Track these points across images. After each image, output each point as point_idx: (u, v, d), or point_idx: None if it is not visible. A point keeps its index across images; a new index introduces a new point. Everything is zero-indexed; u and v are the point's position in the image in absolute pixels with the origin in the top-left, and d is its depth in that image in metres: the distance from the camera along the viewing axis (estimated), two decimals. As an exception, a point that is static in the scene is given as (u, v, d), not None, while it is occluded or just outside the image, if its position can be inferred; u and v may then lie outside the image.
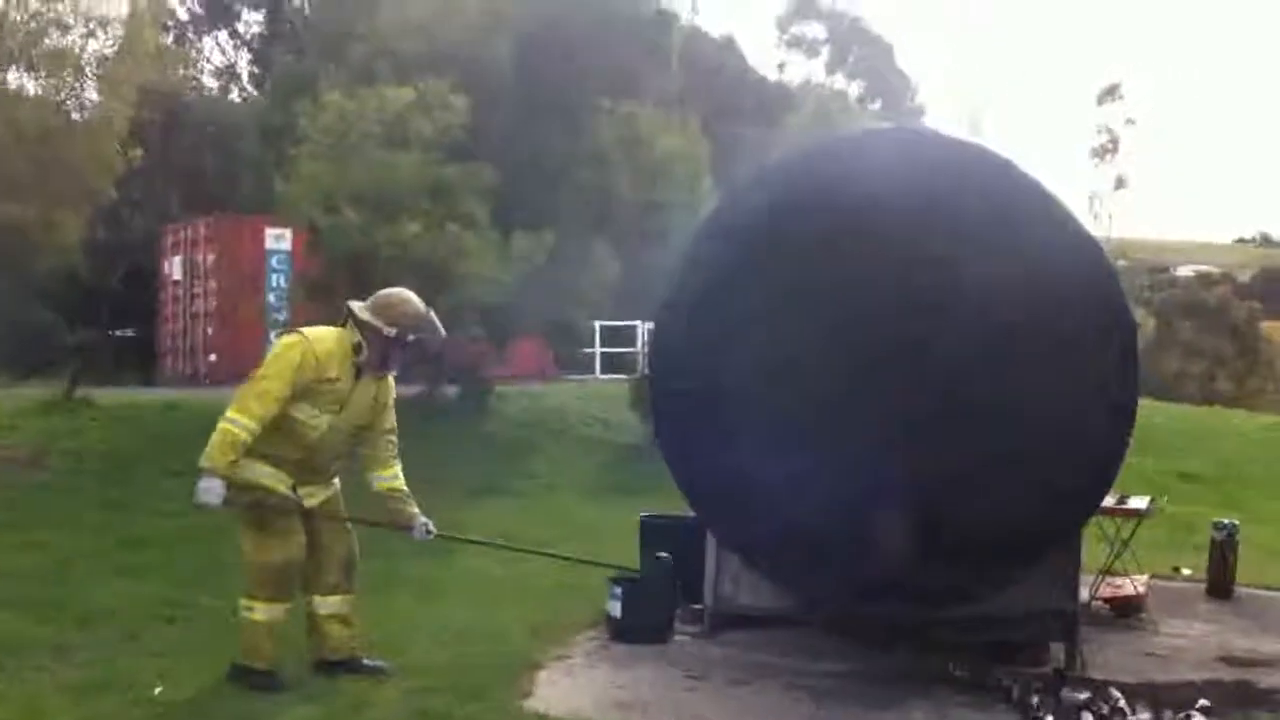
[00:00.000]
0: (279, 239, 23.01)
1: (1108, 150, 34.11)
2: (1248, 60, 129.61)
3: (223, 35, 34.25)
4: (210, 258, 23.92)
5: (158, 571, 9.34)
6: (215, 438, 6.21)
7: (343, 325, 6.59)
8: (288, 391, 6.29)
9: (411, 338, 6.61)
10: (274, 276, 23.31)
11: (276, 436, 6.37)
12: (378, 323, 6.51)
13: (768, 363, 7.04)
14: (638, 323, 24.08)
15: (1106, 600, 8.82)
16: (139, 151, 19.50)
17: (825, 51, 52.35)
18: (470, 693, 6.44)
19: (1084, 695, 6.62)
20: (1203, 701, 6.57)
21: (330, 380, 6.41)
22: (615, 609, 7.92)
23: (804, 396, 6.92)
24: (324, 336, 6.53)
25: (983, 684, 6.95)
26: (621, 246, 16.95)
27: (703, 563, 8.07)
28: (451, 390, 17.77)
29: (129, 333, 25.93)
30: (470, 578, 9.31)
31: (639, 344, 23.95)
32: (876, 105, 48.24)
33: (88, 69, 18.14)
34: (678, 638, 7.90)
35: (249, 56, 33.82)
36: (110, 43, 18.29)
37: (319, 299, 16.69)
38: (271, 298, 23.05)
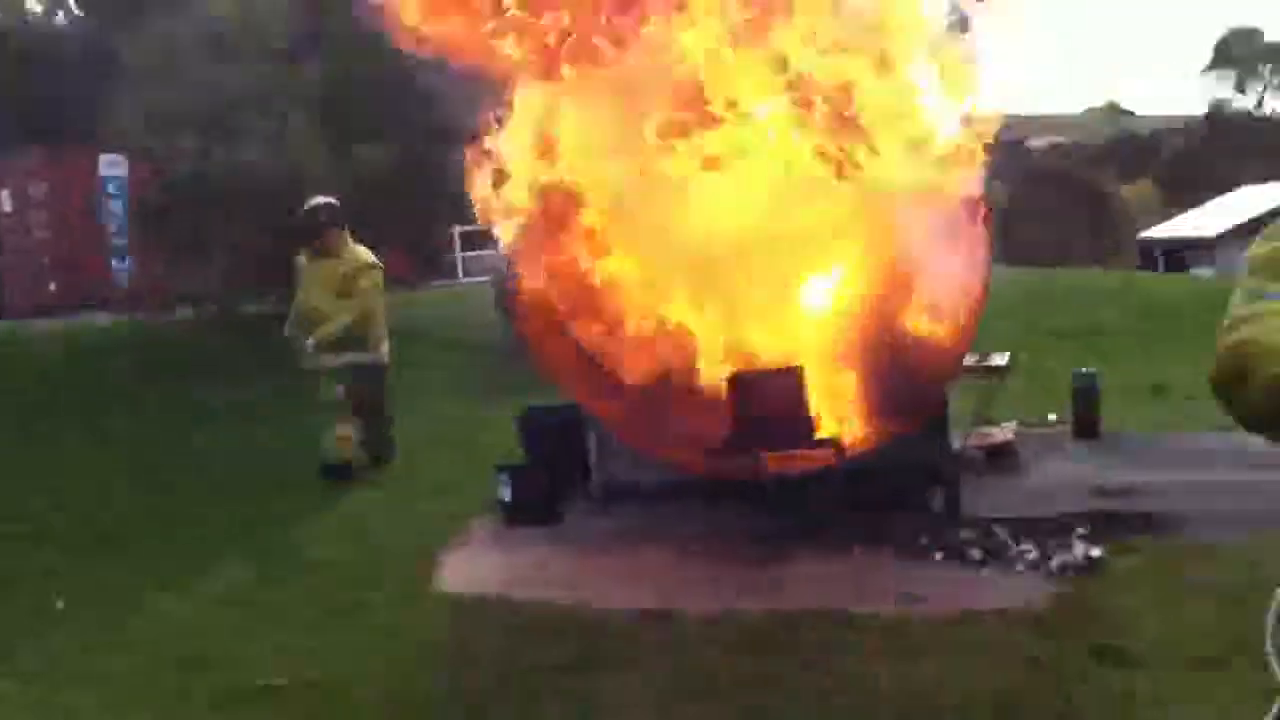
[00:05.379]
0: (113, 165, 22.33)
1: (958, 29, 34.33)
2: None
3: (46, -44, 32.38)
4: (42, 188, 23.49)
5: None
6: None
7: None
8: None
9: None
10: (112, 203, 22.70)
11: None
12: None
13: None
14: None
15: (979, 447, 9.04)
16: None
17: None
18: (373, 583, 6.52)
19: (969, 533, 6.84)
20: (1080, 530, 6.81)
21: None
22: (505, 494, 7.99)
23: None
24: None
25: (867, 535, 7.11)
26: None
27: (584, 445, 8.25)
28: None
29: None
30: (362, 481, 9.26)
31: (500, 247, 23.59)
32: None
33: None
34: (569, 516, 7.97)
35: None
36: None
37: (157, 225, 16.40)
38: (111, 225, 22.60)
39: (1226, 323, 1.90)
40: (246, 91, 14.25)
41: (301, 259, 9.54)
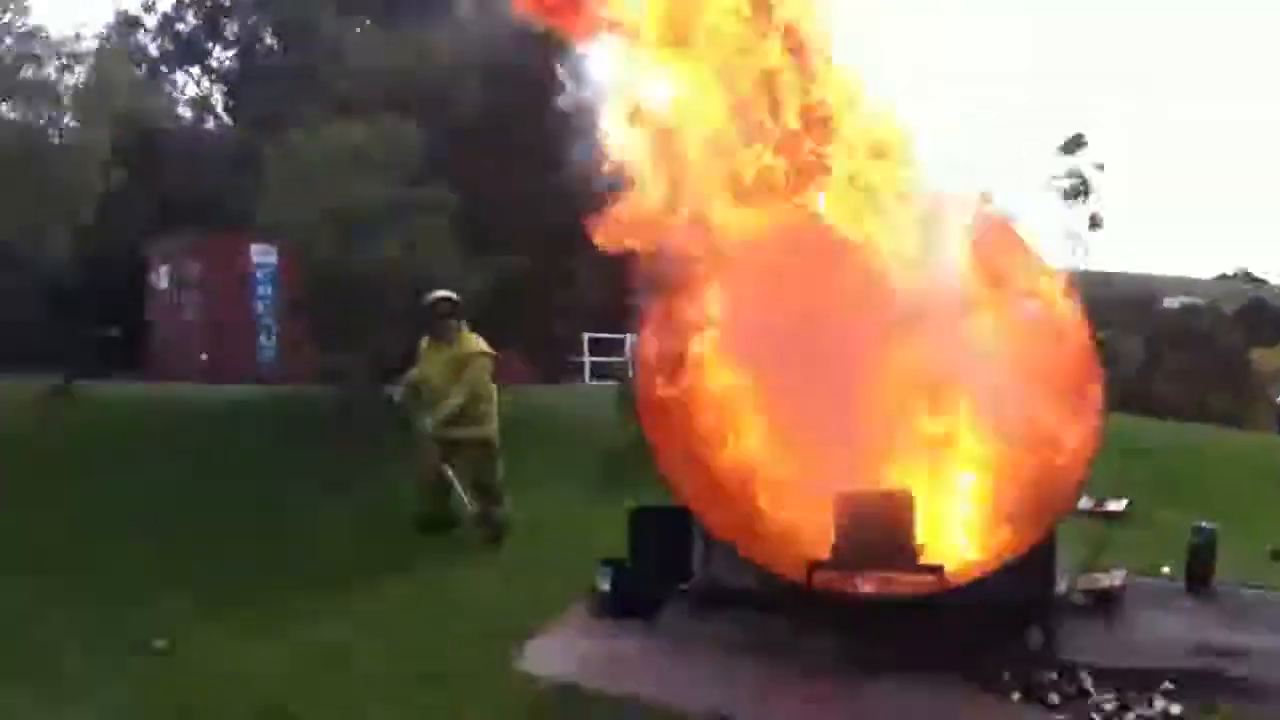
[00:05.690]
0: (265, 253, 24.09)
1: (1079, 192, 33.86)
2: (1225, 100, 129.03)
3: (195, 70, 33.93)
4: (196, 269, 25.26)
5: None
6: None
7: None
8: None
9: None
10: (260, 288, 24.56)
11: None
12: None
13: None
14: (626, 336, 24.40)
15: (1084, 591, 8.93)
16: (122, 174, 19.84)
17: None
18: (460, 656, 6.80)
19: (1053, 675, 6.78)
20: (1166, 684, 6.71)
21: None
22: (604, 585, 8.19)
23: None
24: None
25: (954, 665, 7.08)
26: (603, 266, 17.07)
27: (689, 547, 8.35)
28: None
29: (113, 333, 26.46)
30: (472, 556, 9.75)
31: (627, 353, 24.19)
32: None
33: (65, 100, 18.82)
34: (663, 615, 8.04)
35: (223, 88, 33.57)
36: (84, 77, 19.01)
37: (300, 314, 17.23)
38: (260, 307, 24.48)
39: None
40: (382, 202, 14.97)
41: (424, 343, 10.43)
